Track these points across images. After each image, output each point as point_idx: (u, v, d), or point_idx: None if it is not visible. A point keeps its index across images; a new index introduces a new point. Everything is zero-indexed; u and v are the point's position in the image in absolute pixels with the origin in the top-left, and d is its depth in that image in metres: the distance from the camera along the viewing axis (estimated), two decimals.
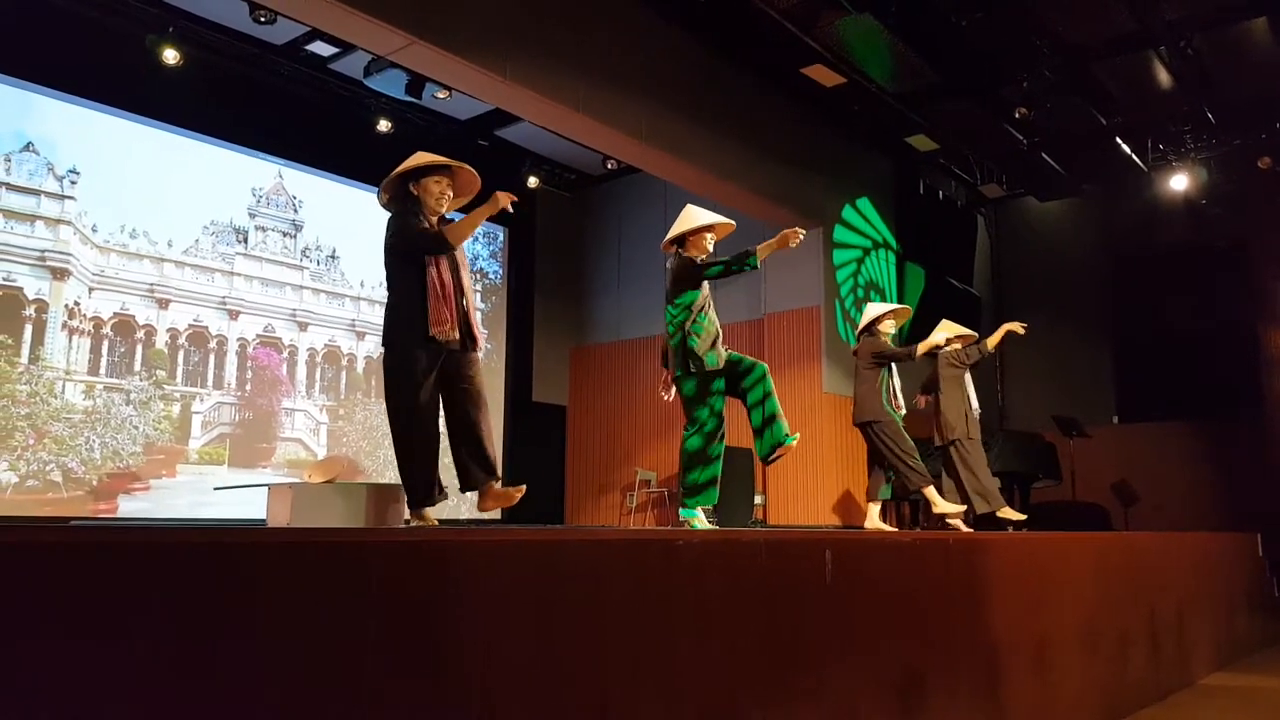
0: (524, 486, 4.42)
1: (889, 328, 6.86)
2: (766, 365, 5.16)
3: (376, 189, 4.37)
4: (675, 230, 5.20)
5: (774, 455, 5.07)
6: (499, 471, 4.38)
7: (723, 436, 5.04)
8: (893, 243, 11.84)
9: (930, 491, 6.58)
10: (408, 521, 4.42)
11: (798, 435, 5.15)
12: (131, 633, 1.49)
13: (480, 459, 4.29)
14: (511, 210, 4.39)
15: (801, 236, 5.15)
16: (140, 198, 8.69)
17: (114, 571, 1.49)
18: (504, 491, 4.35)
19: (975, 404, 7.16)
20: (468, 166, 4.42)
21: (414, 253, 4.17)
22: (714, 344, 5.00)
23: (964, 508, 6.77)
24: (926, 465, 7.84)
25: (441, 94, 9.01)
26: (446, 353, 4.19)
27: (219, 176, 9.27)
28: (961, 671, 3.81)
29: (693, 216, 5.23)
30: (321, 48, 8.98)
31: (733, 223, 5.34)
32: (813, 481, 10.31)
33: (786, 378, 10.65)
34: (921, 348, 6.73)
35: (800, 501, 10.35)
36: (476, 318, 4.34)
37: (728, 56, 9.45)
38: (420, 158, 4.36)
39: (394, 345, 4.21)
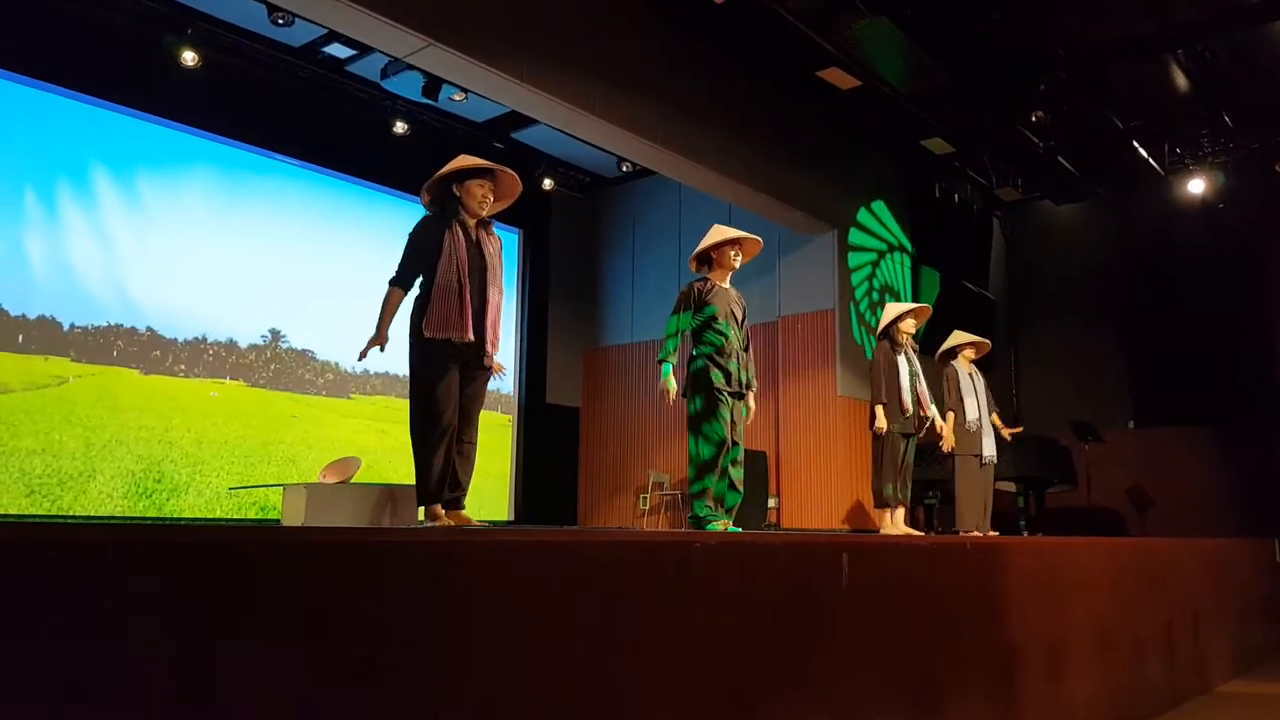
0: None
1: (910, 327, 6.76)
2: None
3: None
4: (700, 246, 5.25)
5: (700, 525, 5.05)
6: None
7: (713, 452, 5.06)
8: (908, 246, 11.81)
9: (884, 515, 6.59)
10: (422, 521, 4.46)
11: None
12: (137, 633, 1.49)
13: (458, 485, 4.37)
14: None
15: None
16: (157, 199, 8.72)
17: (120, 571, 1.50)
18: (464, 518, 4.39)
19: (970, 417, 7.11)
20: (510, 170, 4.48)
21: (427, 258, 4.26)
22: (709, 368, 5.05)
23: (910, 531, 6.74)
24: (939, 470, 7.84)
25: (458, 96, 9.04)
26: (463, 357, 4.23)
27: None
28: (975, 675, 3.80)
29: (717, 231, 5.27)
30: (339, 50, 9.01)
31: (759, 239, 5.34)
32: (827, 485, 10.30)
33: (801, 381, 10.64)
34: (879, 415, 6.57)
35: (814, 504, 10.34)
36: (494, 322, 4.36)
37: (743, 59, 9.45)
38: (463, 161, 4.43)
39: (410, 342, 4.29)
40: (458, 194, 4.38)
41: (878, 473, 6.58)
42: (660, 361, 5.14)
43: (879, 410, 6.52)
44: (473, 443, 4.40)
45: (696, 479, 5.08)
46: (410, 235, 4.37)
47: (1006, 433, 7.50)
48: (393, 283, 4.32)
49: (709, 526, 4.90)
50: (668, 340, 5.15)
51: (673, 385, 5.10)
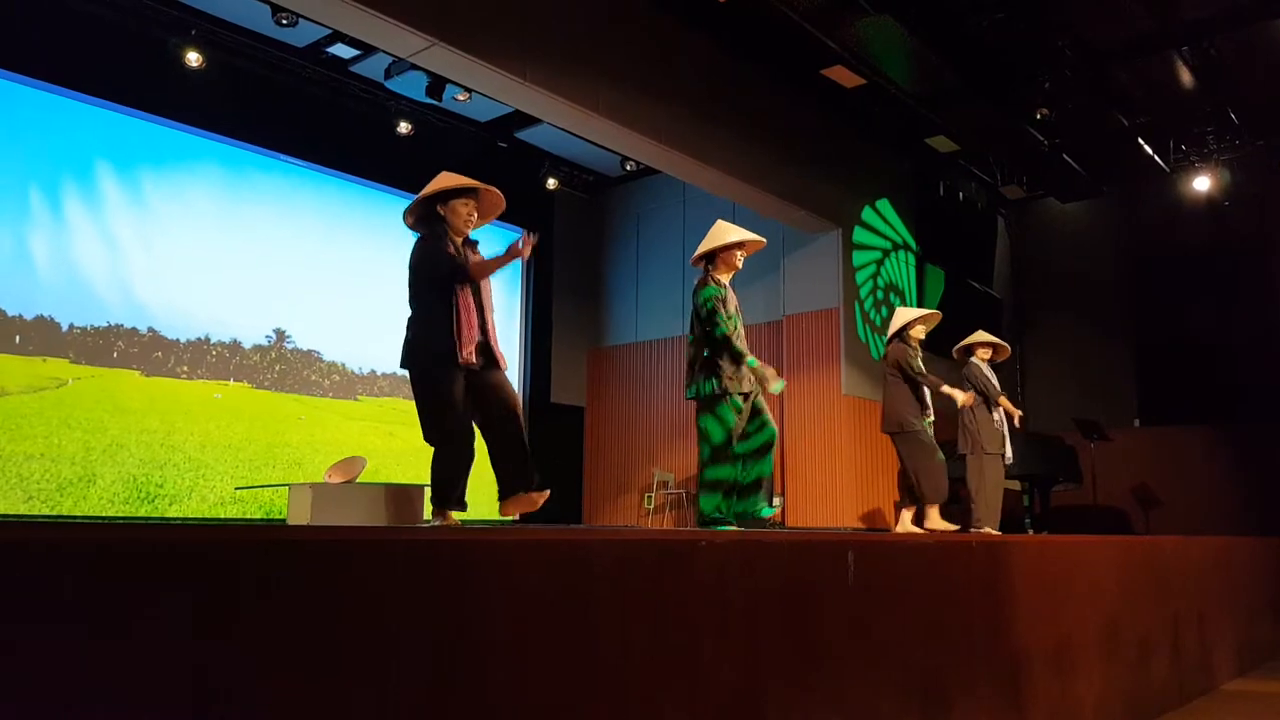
0: (548, 491, 4.46)
1: (920, 333, 6.85)
2: (776, 431, 5.17)
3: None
4: (704, 246, 5.21)
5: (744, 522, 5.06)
6: (537, 478, 4.43)
7: (724, 438, 5.05)
8: (912, 244, 11.80)
9: (933, 511, 6.60)
10: (429, 521, 4.47)
11: (776, 509, 5.17)
12: (139, 633, 1.49)
13: (524, 472, 4.39)
14: (528, 255, 4.45)
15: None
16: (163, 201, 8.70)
17: (125, 571, 1.50)
18: (530, 497, 4.39)
19: (999, 416, 7.14)
20: (493, 189, 4.45)
21: (440, 280, 4.23)
22: (709, 374, 5.04)
23: (957, 527, 6.76)
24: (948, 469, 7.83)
25: (461, 96, 9.05)
26: (468, 371, 4.24)
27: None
28: (982, 674, 3.80)
29: (722, 232, 5.24)
30: (343, 50, 9.03)
31: (763, 239, 5.33)
32: (831, 483, 10.29)
33: (806, 380, 10.63)
34: (946, 389, 6.72)
35: (819, 503, 10.33)
36: (497, 337, 4.36)
37: (747, 58, 9.45)
38: (446, 180, 4.38)
39: (416, 365, 4.27)
40: (442, 214, 4.36)
41: (929, 470, 6.57)
42: (743, 361, 5.00)
43: (954, 392, 6.74)
44: (521, 428, 4.40)
45: (712, 460, 5.02)
46: (414, 264, 4.32)
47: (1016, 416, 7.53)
48: (458, 282, 4.23)
49: (717, 528, 4.90)
50: (729, 340, 5.00)
51: (771, 371, 5.00)
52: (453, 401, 4.19)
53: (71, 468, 7.78)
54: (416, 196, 4.39)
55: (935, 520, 6.61)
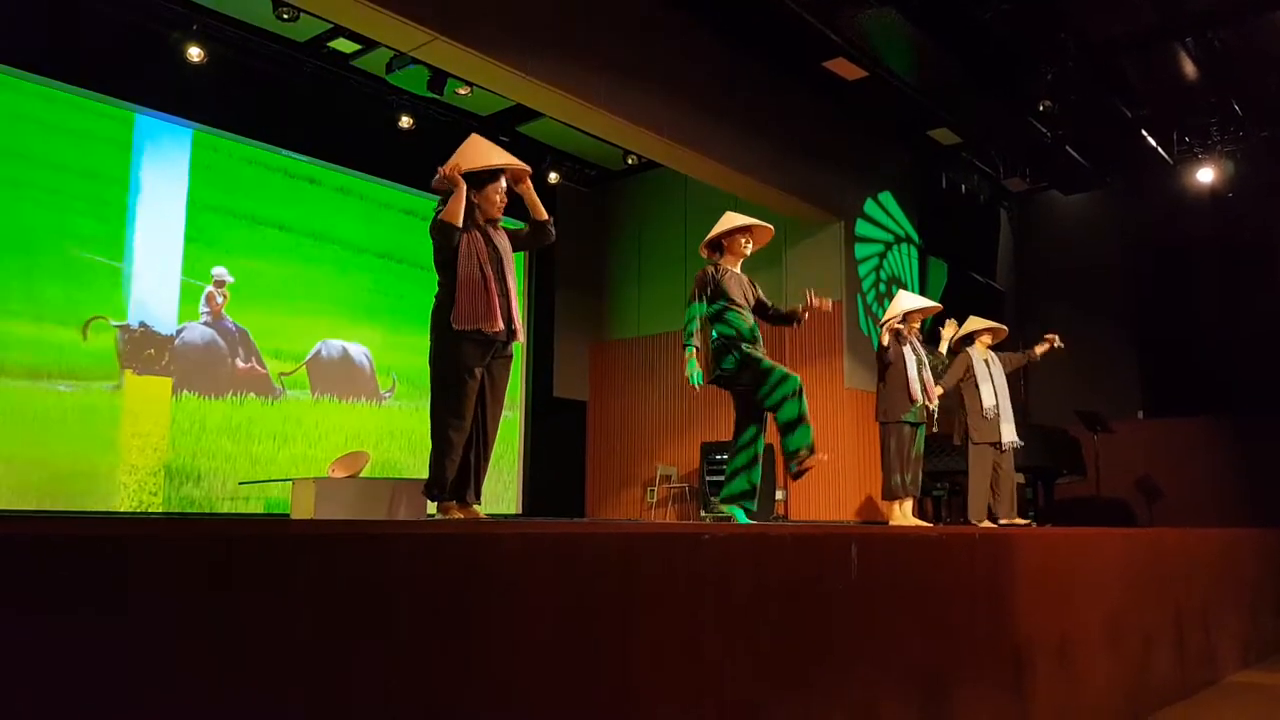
0: (480, 512, 4.47)
1: (915, 320, 6.81)
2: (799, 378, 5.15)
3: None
4: (712, 233, 5.24)
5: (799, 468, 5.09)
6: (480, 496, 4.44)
7: (747, 444, 5.07)
8: (915, 237, 11.78)
9: (892, 507, 6.56)
10: (433, 515, 4.48)
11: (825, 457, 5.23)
12: (140, 630, 1.49)
13: (467, 484, 4.36)
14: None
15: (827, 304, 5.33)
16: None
17: (124, 566, 1.49)
18: (471, 509, 4.40)
19: (988, 404, 7.06)
20: (521, 164, 4.60)
21: (447, 254, 4.29)
22: (727, 351, 5.05)
23: (920, 523, 6.71)
24: (946, 461, 7.83)
25: (463, 90, 9.05)
26: (493, 347, 4.26)
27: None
28: (985, 667, 3.80)
29: (729, 218, 5.27)
30: (344, 45, 9.01)
31: (770, 227, 5.34)
32: (834, 476, 10.29)
33: (808, 373, 10.60)
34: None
35: (822, 497, 10.33)
36: (517, 310, 4.40)
37: (749, 50, 9.43)
38: (475, 159, 4.38)
39: (434, 337, 4.33)
40: (475, 200, 4.42)
41: (886, 463, 6.56)
42: (685, 348, 5.10)
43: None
44: (495, 435, 4.43)
45: (736, 450, 5.07)
46: (431, 236, 4.39)
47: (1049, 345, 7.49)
48: (464, 256, 4.29)
49: (730, 507, 4.96)
50: (688, 324, 5.11)
51: (696, 373, 5.04)
52: (465, 375, 4.22)
53: (52, 476, 7.41)
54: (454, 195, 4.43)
55: (894, 516, 6.52)
